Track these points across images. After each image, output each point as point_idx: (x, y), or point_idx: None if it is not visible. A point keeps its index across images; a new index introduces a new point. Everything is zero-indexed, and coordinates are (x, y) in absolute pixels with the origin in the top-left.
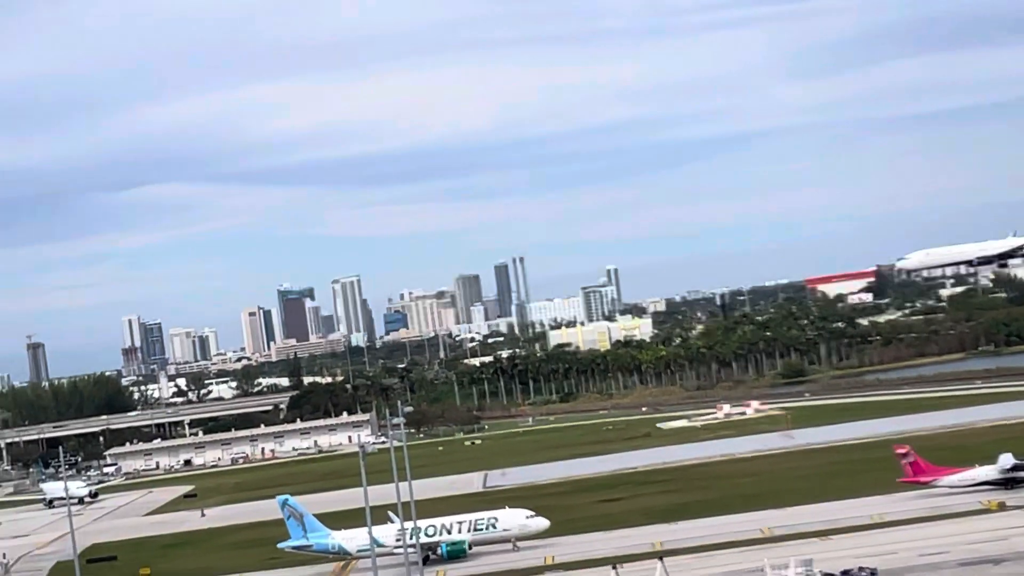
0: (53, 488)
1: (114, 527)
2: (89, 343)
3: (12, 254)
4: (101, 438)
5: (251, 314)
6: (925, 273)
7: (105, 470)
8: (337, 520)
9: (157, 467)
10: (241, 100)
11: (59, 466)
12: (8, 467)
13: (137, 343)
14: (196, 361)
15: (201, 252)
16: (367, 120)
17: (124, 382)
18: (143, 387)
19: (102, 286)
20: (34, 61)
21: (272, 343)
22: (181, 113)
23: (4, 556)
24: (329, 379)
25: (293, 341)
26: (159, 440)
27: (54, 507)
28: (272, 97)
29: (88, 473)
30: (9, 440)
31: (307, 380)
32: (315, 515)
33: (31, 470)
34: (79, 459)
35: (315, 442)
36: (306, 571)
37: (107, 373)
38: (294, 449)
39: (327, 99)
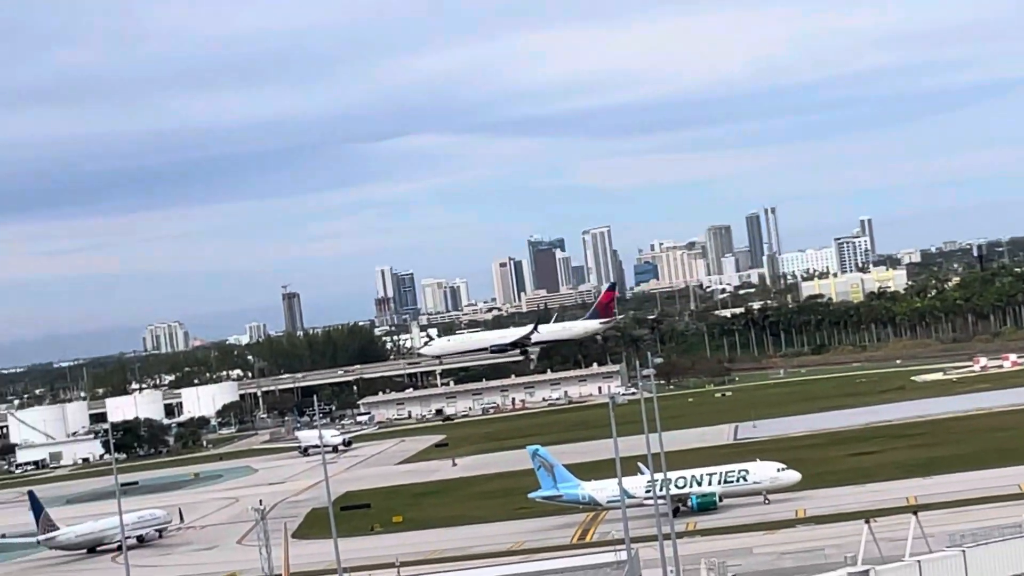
0: (308, 436)
1: (367, 475)
2: (343, 293)
3: (269, 205)
4: (354, 387)
5: (502, 265)
6: None
7: (358, 419)
8: (587, 471)
9: (409, 416)
10: (498, 50)
11: (313, 415)
12: (264, 415)
13: (390, 293)
14: (447, 311)
15: (454, 202)
16: (621, 69)
17: (377, 332)
18: (395, 337)
19: (356, 236)
20: (299, 14)
21: (522, 293)
22: (440, 64)
23: (260, 503)
24: None
25: (543, 292)
26: (411, 390)
27: (309, 455)
28: (529, 47)
29: (342, 422)
30: (265, 389)
31: None
32: (565, 465)
33: (286, 418)
34: (333, 408)
35: (565, 392)
36: (556, 521)
37: (360, 323)
38: (544, 399)
39: (582, 48)
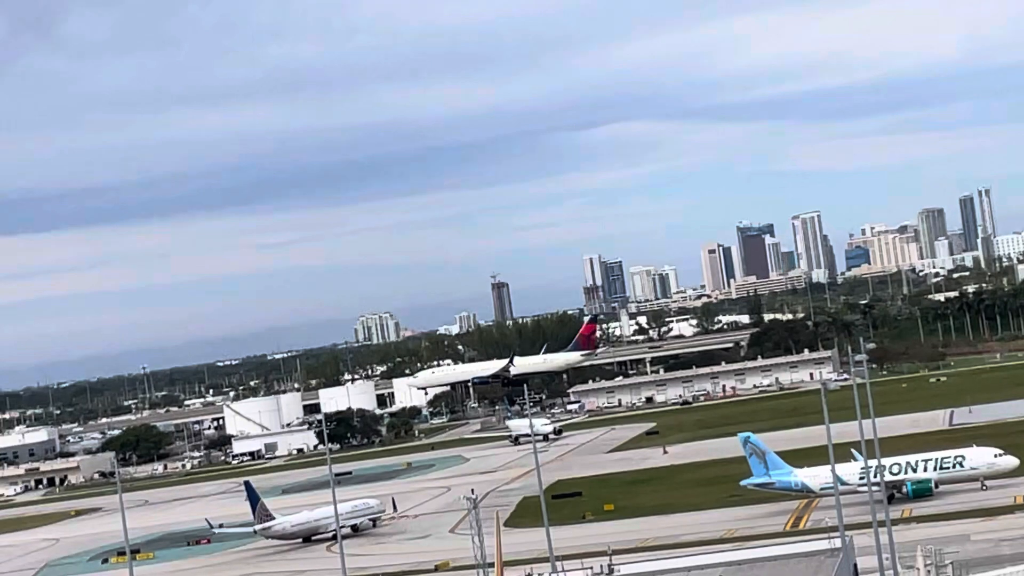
0: (518, 425)
1: (578, 463)
2: (551, 282)
3: (477, 196)
4: (564, 376)
5: (710, 251)
6: None
7: (568, 407)
8: (799, 458)
9: (619, 404)
10: (703, 37)
11: (524, 404)
12: (475, 404)
13: (598, 281)
14: (656, 299)
15: (661, 189)
16: (830, 52)
17: (585, 320)
18: (604, 325)
19: (564, 225)
20: (503, 5)
21: (731, 280)
22: (645, 51)
23: (472, 492)
24: (790, 316)
25: (752, 278)
26: (621, 378)
27: (519, 444)
28: (734, 32)
29: (552, 411)
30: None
31: (767, 317)
32: (777, 452)
33: (497, 408)
34: (543, 397)
35: (776, 379)
36: (768, 508)
37: (569, 311)
38: (755, 386)
39: (789, 32)
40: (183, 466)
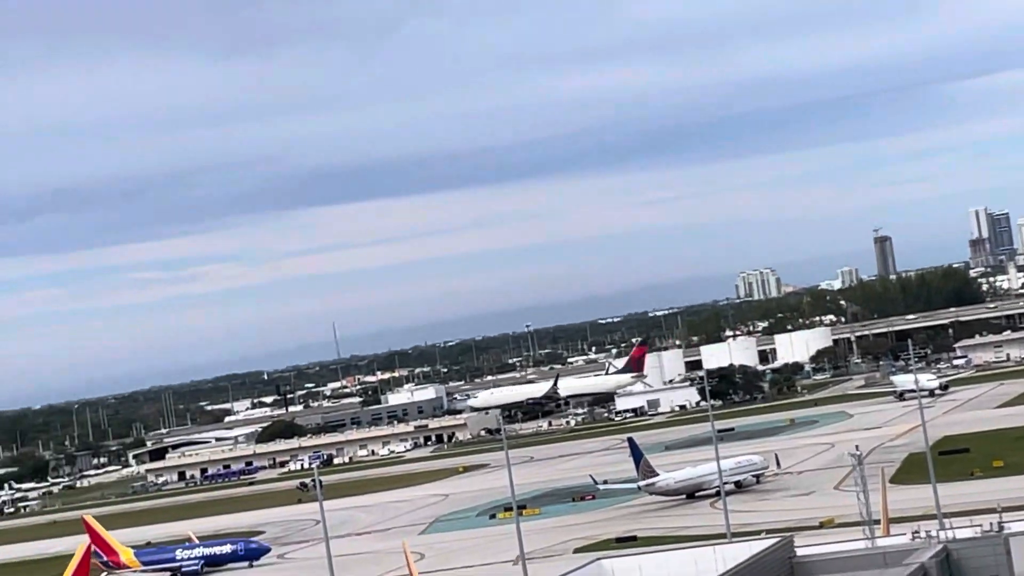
0: (903, 381)
1: (965, 420)
2: (935, 235)
3: (859, 149)
4: (949, 331)
5: None
6: None
7: (954, 363)
8: None
9: (1007, 359)
10: None
11: (908, 359)
12: (858, 360)
13: (984, 234)
14: None
15: None
16: None
17: (972, 274)
18: (991, 278)
19: (948, 177)
20: None
21: None
22: None
23: (857, 448)
24: None
25: None
26: (1009, 332)
27: (904, 399)
28: None
29: (937, 366)
30: (859, 334)
31: None
32: None
33: (880, 363)
34: (928, 352)
35: None
36: None
37: (954, 265)
38: None
39: None
40: (567, 423)
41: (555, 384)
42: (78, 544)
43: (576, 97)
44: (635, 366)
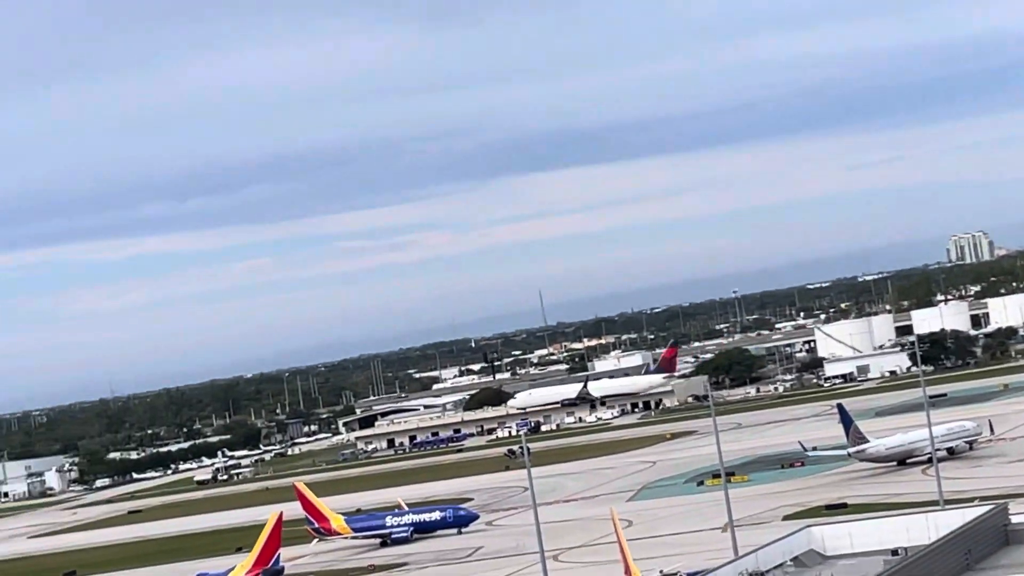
0: None
1: None
2: None
3: None
4: None
5: None
6: None
7: None
8: None
9: None
10: None
11: None
12: None
13: None
14: None
15: None
16: None
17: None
18: None
19: None
20: None
21: None
22: None
23: None
24: None
25: None
26: None
27: None
28: None
29: None
30: None
31: None
32: None
33: None
34: None
35: None
36: None
37: None
38: None
39: None
40: (775, 389)
41: (585, 386)
42: (288, 511)
43: (783, 61)
44: (667, 366)
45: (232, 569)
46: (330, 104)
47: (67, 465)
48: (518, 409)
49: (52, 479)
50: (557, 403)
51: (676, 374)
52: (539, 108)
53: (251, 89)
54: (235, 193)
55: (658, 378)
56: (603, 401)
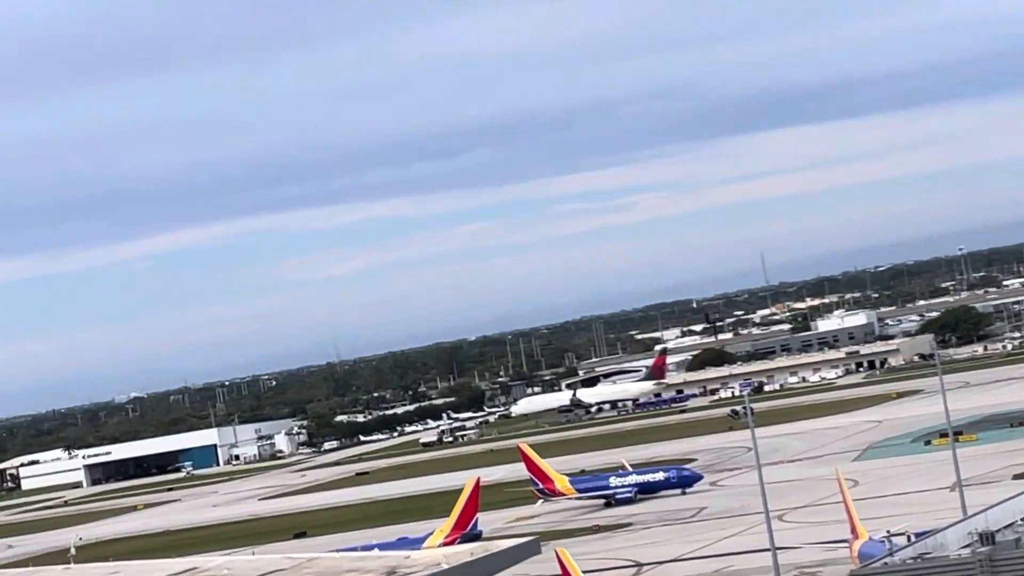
0: None
1: None
2: None
3: None
4: None
5: None
6: None
7: None
8: None
9: None
10: None
11: None
12: None
13: None
14: None
15: None
16: None
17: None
18: None
19: None
20: None
21: None
22: None
23: None
24: None
25: None
26: None
27: None
28: None
29: None
30: None
31: None
32: None
33: None
34: None
35: None
36: None
37: None
38: None
39: None
40: (1003, 347)
41: (575, 394)
42: (514, 471)
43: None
44: (658, 374)
45: (431, 534)
46: (550, 67)
47: (296, 428)
48: (521, 414)
49: (281, 442)
50: (553, 409)
51: (666, 381)
52: (760, 67)
53: (470, 55)
54: (456, 158)
55: (649, 385)
56: (599, 408)
